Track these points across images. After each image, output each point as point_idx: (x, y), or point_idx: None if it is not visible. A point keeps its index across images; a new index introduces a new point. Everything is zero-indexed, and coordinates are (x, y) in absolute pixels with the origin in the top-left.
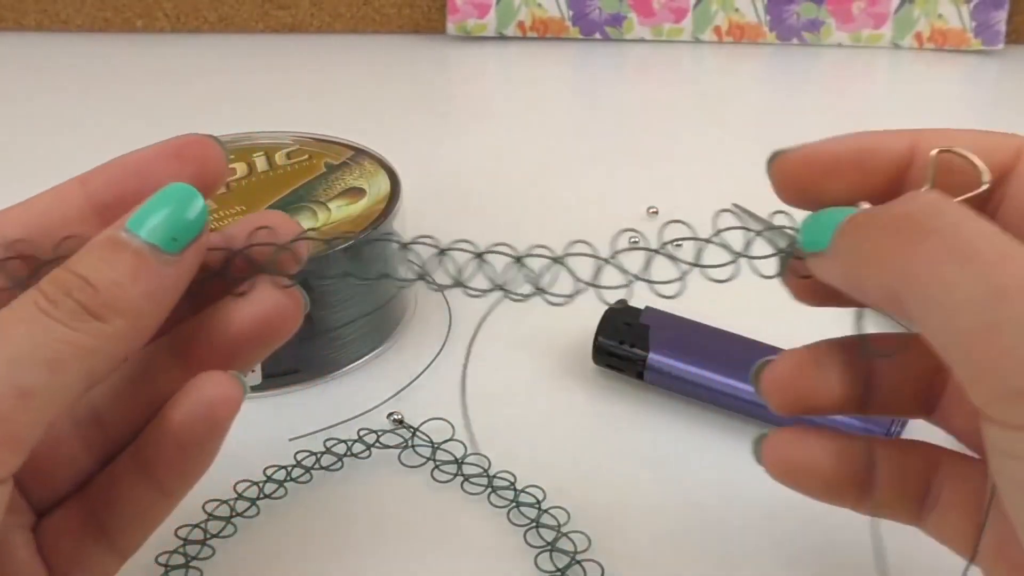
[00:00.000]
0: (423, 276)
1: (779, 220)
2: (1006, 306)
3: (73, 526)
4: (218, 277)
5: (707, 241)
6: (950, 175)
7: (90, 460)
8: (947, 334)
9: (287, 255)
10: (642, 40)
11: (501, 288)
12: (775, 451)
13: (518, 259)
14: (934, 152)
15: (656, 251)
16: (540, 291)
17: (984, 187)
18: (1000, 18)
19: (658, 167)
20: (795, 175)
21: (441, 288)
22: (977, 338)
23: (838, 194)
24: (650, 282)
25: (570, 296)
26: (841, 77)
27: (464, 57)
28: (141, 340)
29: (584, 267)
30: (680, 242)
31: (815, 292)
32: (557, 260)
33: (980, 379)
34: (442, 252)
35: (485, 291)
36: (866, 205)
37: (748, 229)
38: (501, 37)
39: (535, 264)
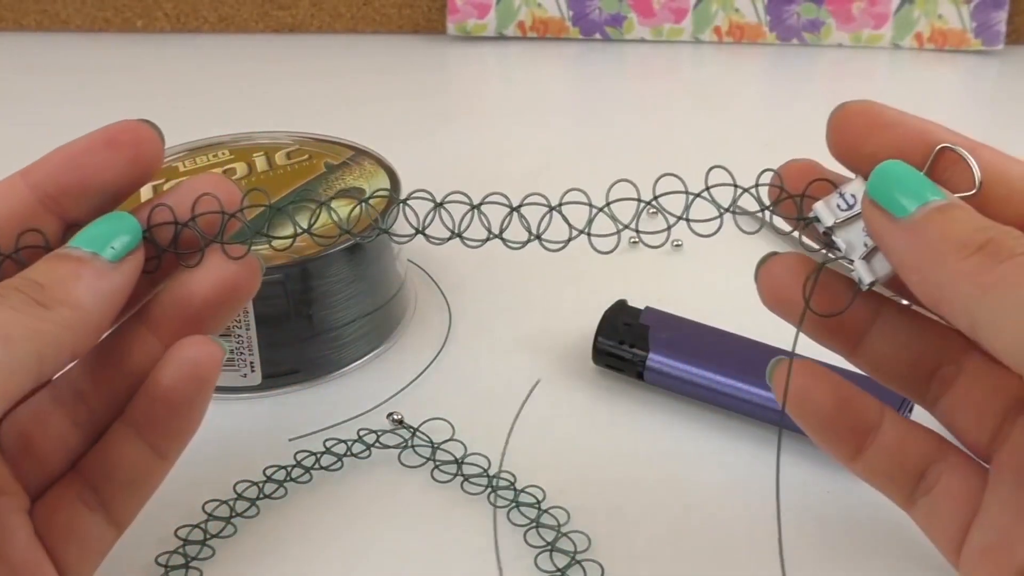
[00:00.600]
0: (420, 231)
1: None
2: None
3: (68, 502)
4: (170, 251)
5: (696, 196)
6: (943, 173)
7: (79, 438)
8: (1007, 342)
9: (233, 221)
10: (642, 40)
11: (498, 236)
12: (782, 379)
13: (514, 209)
14: (937, 148)
15: (647, 203)
16: (536, 237)
17: (974, 191)
18: (1000, 18)
19: (658, 167)
20: (852, 123)
21: (440, 242)
22: None
23: (882, 156)
24: (637, 231)
25: (564, 242)
26: (841, 77)
27: (464, 57)
28: (88, 333)
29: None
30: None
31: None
32: (553, 209)
33: None
34: (438, 205)
35: (482, 241)
36: (955, 196)
37: (735, 185)
38: (501, 37)
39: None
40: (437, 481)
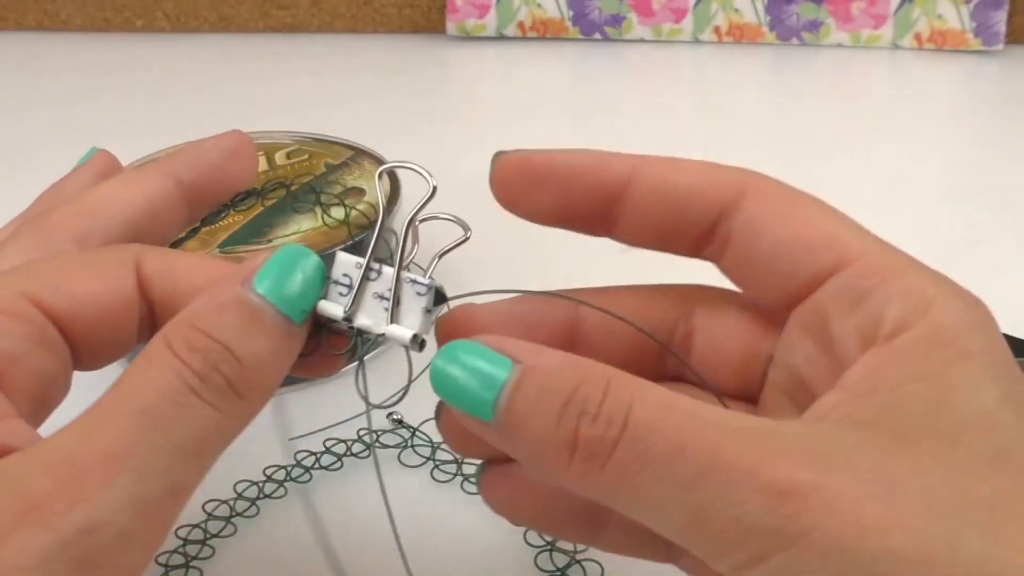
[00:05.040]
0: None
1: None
2: (697, 495)
3: None
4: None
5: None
6: (660, 206)
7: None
8: (664, 531)
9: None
10: (642, 40)
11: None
12: (490, 485)
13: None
14: (378, 171)
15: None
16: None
17: (429, 194)
18: (999, 18)
19: None
20: (509, 178)
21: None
22: (689, 530)
23: (546, 206)
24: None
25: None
26: (841, 77)
27: (464, 57)
28: (256, 415)
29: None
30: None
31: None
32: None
33: (712, 558)
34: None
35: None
36: (521, 362)
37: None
38: (501, 37)
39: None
40: (437, 481)
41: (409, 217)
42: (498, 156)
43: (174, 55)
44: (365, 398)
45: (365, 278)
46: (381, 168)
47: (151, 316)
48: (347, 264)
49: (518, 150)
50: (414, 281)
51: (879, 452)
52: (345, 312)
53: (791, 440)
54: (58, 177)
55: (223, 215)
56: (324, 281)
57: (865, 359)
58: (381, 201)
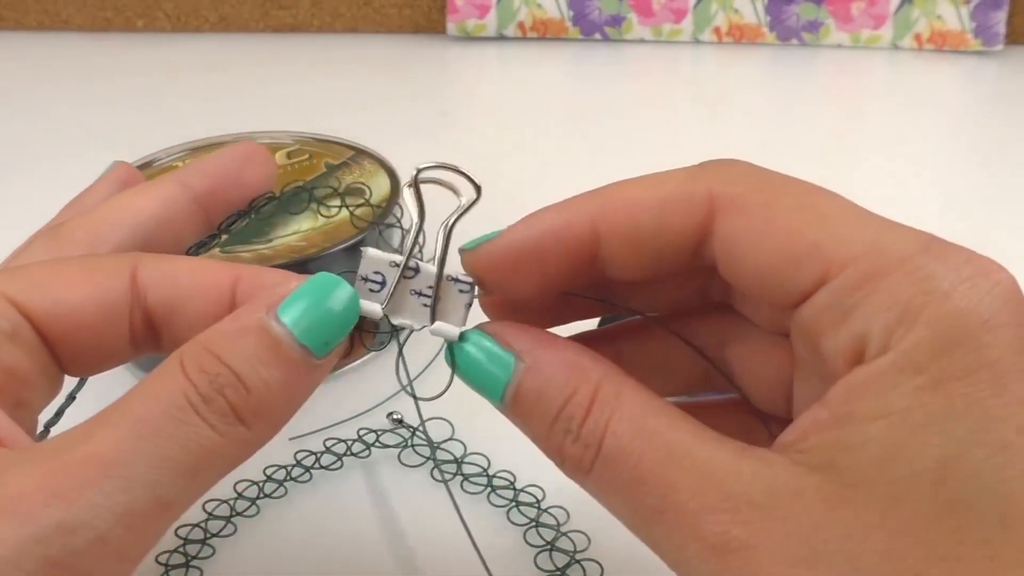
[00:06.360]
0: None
1: None
2: (652, 529)
3: None
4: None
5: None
6: (634, 252)
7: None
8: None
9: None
10: (642, 40)
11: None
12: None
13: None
14: (410, 179)
15: None
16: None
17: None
18: (999, 19)
19: (657, 168)
20: (489, 273)
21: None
22: (652, 547)
23: (534, 286)
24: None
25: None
26: (841, 78)
27: (464, 57)
28: (263, 444)
29: None
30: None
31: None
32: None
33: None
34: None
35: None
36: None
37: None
38: (501, 37)
39: None
40: (437, 481)
41: (452, 220)
42: (463, 253)
43: (175, 55)
44: (411, 392)
45: (403, 276)
46: (418, 170)
47: (148, 323)
48: (378, 261)
49: (478, 244)
50: (456, 279)
51: (821, 506)
52: (383, 310)
53: (743, 482)
54: (58, 176)
55: (243, 222)
56: (356, 316)
57: (842, 383)
58: (415, 207)
